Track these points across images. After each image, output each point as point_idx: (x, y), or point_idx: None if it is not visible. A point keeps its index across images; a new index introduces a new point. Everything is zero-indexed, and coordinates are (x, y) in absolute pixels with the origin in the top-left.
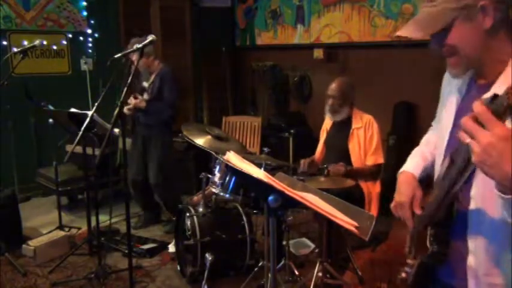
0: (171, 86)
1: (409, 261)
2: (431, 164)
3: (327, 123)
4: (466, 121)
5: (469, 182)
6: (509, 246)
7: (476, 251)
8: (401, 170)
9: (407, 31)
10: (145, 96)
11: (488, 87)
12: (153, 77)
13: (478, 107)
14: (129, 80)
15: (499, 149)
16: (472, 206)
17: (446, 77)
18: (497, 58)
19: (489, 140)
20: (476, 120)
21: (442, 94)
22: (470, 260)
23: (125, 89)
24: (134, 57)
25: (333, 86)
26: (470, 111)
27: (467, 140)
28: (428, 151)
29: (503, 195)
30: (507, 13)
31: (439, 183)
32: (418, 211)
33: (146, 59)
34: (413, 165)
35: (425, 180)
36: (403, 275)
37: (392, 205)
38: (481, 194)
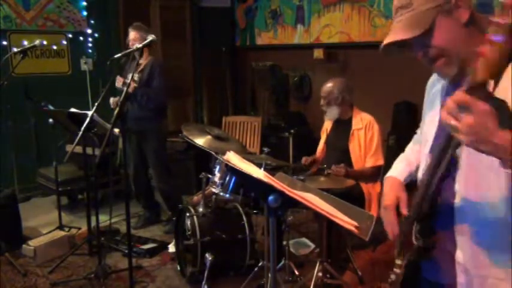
0: (160, 73)
1: (397, 261)
2: (415, 169)
3: (328, 123)
4: (450, 103)
5: (450, 176)
6: (500, 237)
7: (464, 245)
8: (387, 175)
9: (392, 37)
10: (133, 84)
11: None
12: (141, 68)
13: (456, 95)
14: (129, 80)
15: (484, 125)
16: (457, 200)
17: (430, 82)
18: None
19: (473, 118)
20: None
21: (425, 101)
22: (459, 255)
23: (125, 89)
24: (132, 37)
25: (323, 87)
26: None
27: (452, 121)
28: (414, 157)
29: (506, 170)
30: None
31: (420, 181)
32: (405, 212)
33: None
34: (398, 170)
35: (411, 185)
36: (392, 277)
37: (381, 212)
38: (465, 188)
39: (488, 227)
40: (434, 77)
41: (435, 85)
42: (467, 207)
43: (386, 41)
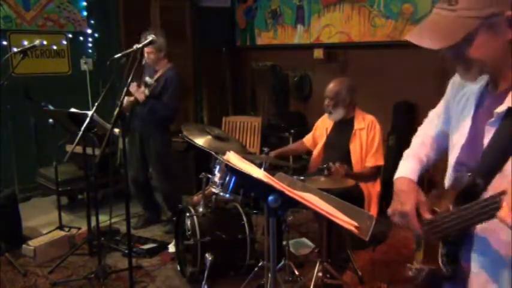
0: (175, 90)
1: (418, 265)
2: (426, 166)
3: (328, 122)
4: None
5: None
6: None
7: (479, 272)
8: (397, 175)
9: (423, 39)
10: (146, 91)
11: (503, 97)
12: (158, 74)
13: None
14: (129, 80)
15: None
16: (480, 227)
17: (456, 81)
18: None
19: None
20: None
21: (450, 97)
22: (472, 280)
23: (125, 89)
24: (147, 49)
25: (329, 87)
26: (484, 123)
27: None
28: (424, 153)
29: None
30: None
31: (463, 208)
32: (428, 216)
33: (158, 53)
34: (409, 169)
35: (420, 182)
36: (410, 273)
37: (390, 212)
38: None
39: (502, 256)
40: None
41: (466, 85)
42: (487, 234)
43: (416, 41)
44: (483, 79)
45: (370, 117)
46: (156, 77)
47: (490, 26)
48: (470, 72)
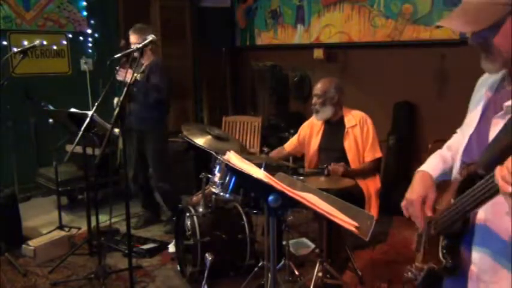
0: (160, 72)
1: (417, 264)
2: (450, 168)
3: (315, 125)
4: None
5: None
6: None
7: (480, 262)
8: (419, 168)
9: (454, 23)
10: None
11: None
12: (143, 67)
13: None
14: (129, 80)
15: None
16: (481, 217)
17: (480, 81)
18: None
19: None
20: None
21: (472, 100)
22: (472, 270)
23: (125, 89)
24: (136, 54)
25: (317, 86)
26: (495, 114)
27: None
28: (450, 155)
29: None
30: None
31: (460, 197)
32: (429, 213)
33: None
34: (432, 165)
35: (442, 183)
36: (410, 274)
37: (402, 203)
38: (492, 206)
39: (505, 248)
40: (486, 75)
41: (484, 85)
42: (490, 225)
43: (447, 24)
44: (501, 73)
45: (359, 113)
46: (142, 69)
47: None
48: (493, 62)
